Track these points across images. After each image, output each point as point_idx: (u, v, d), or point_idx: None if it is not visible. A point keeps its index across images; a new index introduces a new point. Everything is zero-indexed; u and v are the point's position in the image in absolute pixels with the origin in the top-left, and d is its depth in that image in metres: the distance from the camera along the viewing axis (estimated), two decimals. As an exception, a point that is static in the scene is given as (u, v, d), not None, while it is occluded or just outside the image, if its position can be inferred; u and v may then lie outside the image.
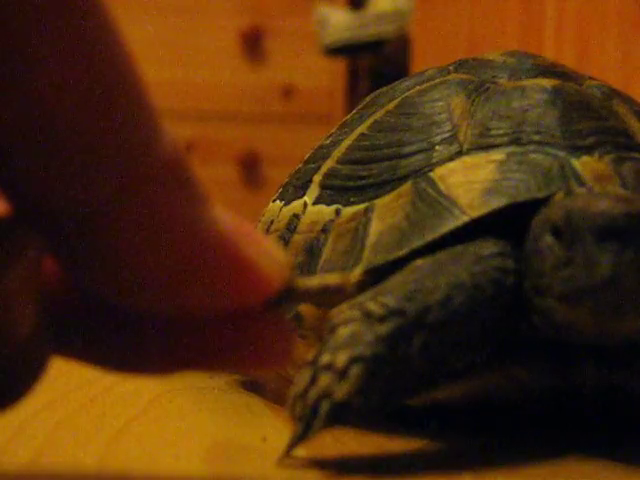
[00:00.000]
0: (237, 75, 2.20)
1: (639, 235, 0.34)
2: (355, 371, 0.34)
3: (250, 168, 2.19)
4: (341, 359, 0.34)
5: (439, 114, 0.43)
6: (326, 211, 0.43)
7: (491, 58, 0.46)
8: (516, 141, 0.41)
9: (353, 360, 0.34)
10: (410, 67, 1.38)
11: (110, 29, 0.22)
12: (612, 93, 0.44)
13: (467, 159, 0.41)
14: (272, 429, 0.39)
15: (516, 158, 0.40)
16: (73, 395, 0.42)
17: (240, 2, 2.22)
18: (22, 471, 0.33)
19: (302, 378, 0.35)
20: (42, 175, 0.22)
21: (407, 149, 0.42)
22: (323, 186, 0.44)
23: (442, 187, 0.40)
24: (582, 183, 0.38)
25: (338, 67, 2.13)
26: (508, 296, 0.37)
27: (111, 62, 0.22)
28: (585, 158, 0.40)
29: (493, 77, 0.44)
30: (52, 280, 0.26)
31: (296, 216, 0.44)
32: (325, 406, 0.34)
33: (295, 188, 0.46)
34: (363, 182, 0.43)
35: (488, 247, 0.37)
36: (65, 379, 0.43)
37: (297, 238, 0.43)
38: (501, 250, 0.37)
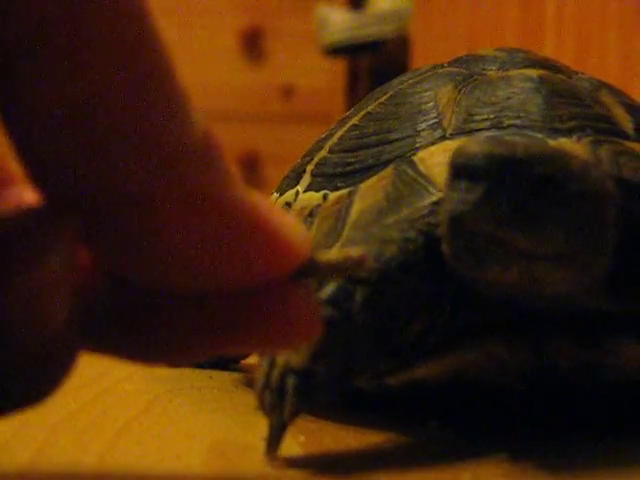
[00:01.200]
0: (237, 75, 2.20)
1: (496, 178, 0.34)
2: None
3: (250, 168, 2.19)
4: None
5: (426, 103, 0.44)
6: (315, 197, 0.44)
7: (484, 53, 0.47)
8: (497, 125, 0.41)
9: None
10: (410, 67, 1.38)
11: (146, 17, 0.23)
12: (601, 85, 0.45)
13: (449, 142, 0.41)
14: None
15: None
16: (73, 395, 0.42)
17: (240, 2, 2.22)
18: (22, 471, 0.33)
19: (261, 369, 0.35)
20: (80, 162, 0.23)
21: (393, 136, 0.43)
22: (314, 174, 0.45)
23: (421, 168, 0.41)
24: None
25: (338, 67, 2.13)
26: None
27: (148, 52, 0.23)
28: (563, 140, 0.40)
29: (482, 69, 0.45)
30: (83, 271, 0.26)
31: (288, 204, 0.46)
32: (290, 381, 0.35)
33: (290, 179, 0.47)
34: (350, 168, 0.44)
35: (424, 204, 0.38)
36: (65, 379, 0.43)
37: None
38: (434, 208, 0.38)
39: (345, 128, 0.46)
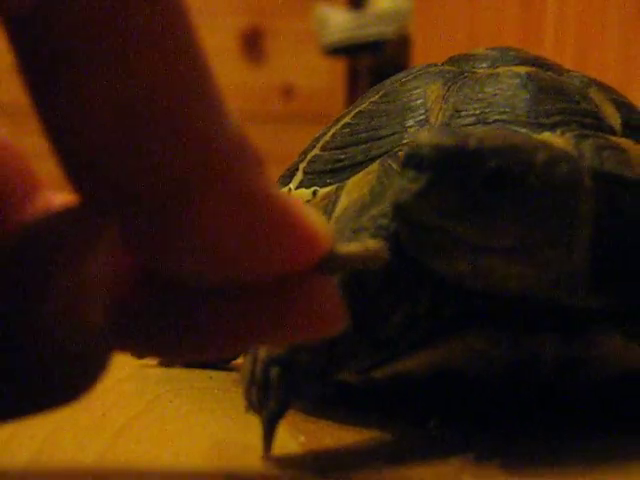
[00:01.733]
0: (237, 75, 2.20)
1: (442, 169, 0.33)
2: None
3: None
4: None
5: (415, 100, 0.44)
6: (305, 193, 0.44)
7: (476, 52, 0.47)
8: (482, 120, 0.41)
9: None
10: (410, 67, 1.38)
11: (188, 22, 0.24)
12: (591, 82, 0.45)
13: (442, 131, 0.41)
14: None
15: None
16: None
17: (240, 2, 2.22)
18: (22, 471, 0.33)
19: (245, 367, 0.35)
20: (125, 160, 0.24)
21: (382, 132, 0.44)
22: (306, 172, 0.46)
23: None
24: None
25: (338, 67, 2.13)
26: None
27: (194, 52, 0.24)
28: (546, 134, 0.40)
29: (473, 67, 0.45)
30: (118, 269, 0.26)
31: None
32: (273, 371, 0.34)
33: (284, 178, 0.48)
34: (339, 164, 0.44)
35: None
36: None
37: None
38: None
39: (338, 126, 0.46)
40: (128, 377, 0.48)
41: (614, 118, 0.42)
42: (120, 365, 0.50)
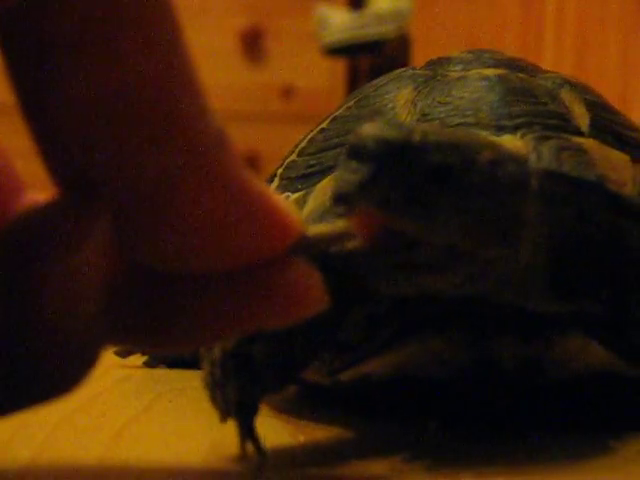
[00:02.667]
0: (237, 75, 2.20)
1: (383, 161, 0.33)
2: None
3: (250, 168, 2.19)
4: None
5: (385, 105, 0.44)
6: None
7: (453, 55, 0.47)
8: (446, 124, 0.41)
9: None
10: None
11: (173, 14, 0.25)
12: (565, 83, 0.44)
13: (388, 123, 0.41)
14: (271, 429, 0.39)
15: None
16: (73, 395, 0.42)
17: (240, 2, 2.22)
18: (22, 470, 0.33)
19: (205, 372, 0.36)
20: (111, 149, 0.24)
21: (345, 138, 0.44)
22: (282, 177, 0.46)
23: None
24: None
25: (338, 67, 2.13)
26: None
27: (180, 46, 0.25)
28: (506, 137, 0.40)
29: (447, 70, 0.45)
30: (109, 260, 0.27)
31: None
32: (230, 365, 0.35)
33: (265, 183, 0.48)
34: (311, 170, 0.44)
35: None
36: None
37: None
38: None
39: (314, 132, 0.47)
40: (128, 377, 0.48)
41: (583, 119, 0.42)
42: (120, 365, 0.50)
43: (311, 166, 0.44)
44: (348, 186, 0.33)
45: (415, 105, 0.43)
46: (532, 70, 0.45)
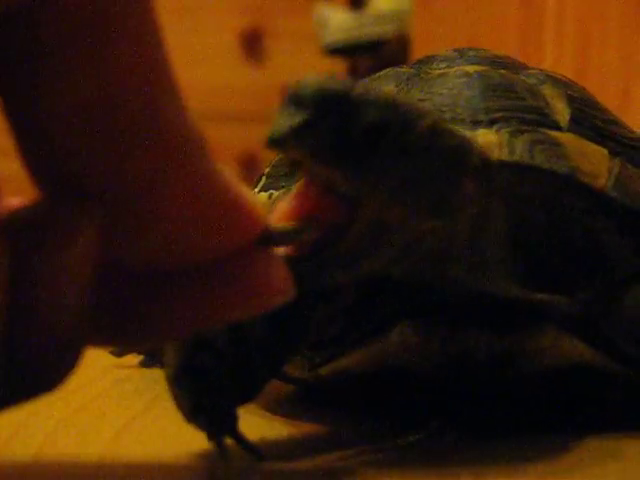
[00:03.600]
0: (237, 75, 2.20)
1: (320, 109, 0.33)
2: None
3: (250, 168, 2.19)
4: None
5: None
6: (263, 196, 0.45)
7: (439, 53, 0.47)
8: None
9: None
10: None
11: (156, 27, 0.25)
12: (548, 79, 0.45)
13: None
14: (270, 428, 0.39)
15: None
16: (73, 395, 0.42)
17: (240, 2, 2.22)
18: (22, 470, 0.33)
19: (173, 396, 0.36)
20: (94, 152, 0.25)
21: None
22: (268, 176, 0.46)
23: None
24: None
25: (338, 67, 2.13)
26: None
27: (163, 52, 0.25)
28: (481, 131, 0.40)
29: (430, 68, 0.46)
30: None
31: None
32: (184, 381, 0.35)
33: (255, 182, 0.48)
34: (293, 168, 0.44)
35: None
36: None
37: None
38: None
39: None
40: (128, 377, 0.48)
41: (563, 114, 0.42)
42: (120, 365, 0.50)
43: (294, 164, 0.45)
44: (283, 129, 0.33)
45: None
46: (516, 67, 0.46)
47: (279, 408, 0.43)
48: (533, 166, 0.39)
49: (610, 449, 0.38)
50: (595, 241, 0.40)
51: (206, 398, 0.35)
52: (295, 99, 0.33)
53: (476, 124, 0.41)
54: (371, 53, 1.80)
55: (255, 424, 0.38)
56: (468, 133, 0.39)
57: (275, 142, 0.33)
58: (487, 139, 0.40)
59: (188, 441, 0.37)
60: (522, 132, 0.40)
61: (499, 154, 0.39)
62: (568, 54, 0.96)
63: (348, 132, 0.33)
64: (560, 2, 1.01)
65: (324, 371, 0.41)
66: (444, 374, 0.40)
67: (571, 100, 0.43)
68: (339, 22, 1.77)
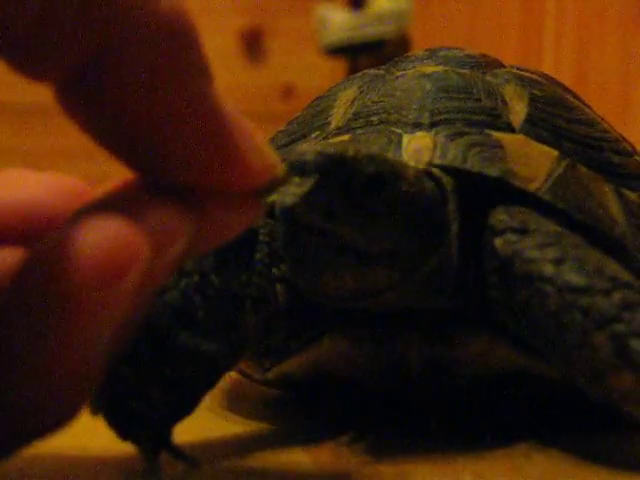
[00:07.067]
0: (237, 75, 2.20)
1: (326, 172, 0.34)
2: None
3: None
4: None
5: (328, 105, 0.46)
6: None
7: (412, 54, 0.48)
8: (369, 123, 0.42)
9: None
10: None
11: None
12: (513, 79, 0.44)
13: (324, 143, 0.43)
14: (269, 428, 0.39)
15: (358, 138, 0.42)
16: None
17: (240, 2, 2.22)
18: (22, 470, 0.33)
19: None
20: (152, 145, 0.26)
21: (296, 137, 0.45)
22: None
23: None
24: (400, 154, 0.40)
25: (338, 67, 2.13)
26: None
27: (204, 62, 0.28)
28: (419, 134, 0.41)
29: (397, 69, 0.46)
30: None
31: None
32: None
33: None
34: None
35: None
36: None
37: None
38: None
39: (276, 133, 0.48)
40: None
41: (519, 114, 0.42)
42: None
43: None
44: (294, 198, 0.33)
45: (353, 104, 0.44)
46: (485, 66, 0.45)
47: (236, 407, 0.44)
48: (460, 169, 0.39)
49: (610, 449, 0.38)
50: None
51: (128, 407, 0.34)
52: (298, 168, 0.34)
53: (416, 127, 0.41)
54: (371, 53, 1.80)
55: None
56: (406, 136, 0.40)
57: (290, 211, 0.34)
58: (422, 142, 0.40)
59: (187, 441, 0.37)
60: (462, 135, 0.40)
61: (430, 157, 0.39)
62: (568, 56, 0.96)
63: (352, 188, 0.34)
64: (560, 3, 1.01)
65: (271, 375, 0.42)
66: (377, 380, 0.40)
67: (533, 100, 0.43)
68: (339, 22, 1.77)
